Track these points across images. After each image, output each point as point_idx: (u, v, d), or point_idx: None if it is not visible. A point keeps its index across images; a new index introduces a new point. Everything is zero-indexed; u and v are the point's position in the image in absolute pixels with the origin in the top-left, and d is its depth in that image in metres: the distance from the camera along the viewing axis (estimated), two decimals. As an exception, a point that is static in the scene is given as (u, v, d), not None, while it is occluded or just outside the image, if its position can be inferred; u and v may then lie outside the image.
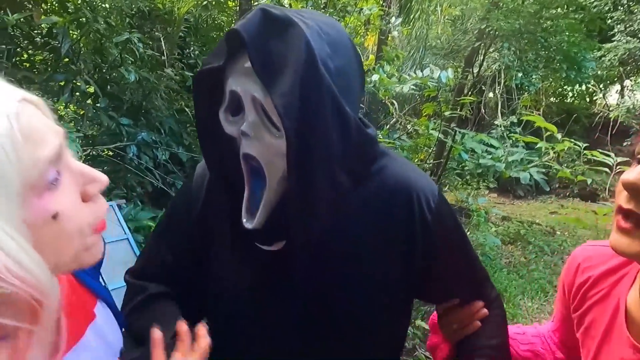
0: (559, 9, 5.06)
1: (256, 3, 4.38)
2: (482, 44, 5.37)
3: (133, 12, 3.74)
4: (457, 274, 0.85)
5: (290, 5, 4.54)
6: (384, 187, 0.79)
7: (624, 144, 8.35)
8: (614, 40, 9.64)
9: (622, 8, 9.95)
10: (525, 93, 8.95)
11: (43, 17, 2.74)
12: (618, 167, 2.14)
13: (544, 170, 2.76)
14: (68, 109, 3.11)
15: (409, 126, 4.46)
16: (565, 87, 7.48)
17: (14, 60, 2.74)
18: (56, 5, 3.09)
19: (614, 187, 0.66)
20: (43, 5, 3.03)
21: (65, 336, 0.55)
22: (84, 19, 2.72)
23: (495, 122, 7.28)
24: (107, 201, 0.75)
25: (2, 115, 0.42)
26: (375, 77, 3.07)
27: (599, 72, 8.97)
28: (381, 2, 4.97)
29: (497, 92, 9.02)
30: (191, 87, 4.21)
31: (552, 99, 10.29)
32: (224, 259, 0.84)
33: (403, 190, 0.78)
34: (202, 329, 0.72)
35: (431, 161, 5.62)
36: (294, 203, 0.70)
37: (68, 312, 0.59)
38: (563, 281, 0.85)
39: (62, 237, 0.47)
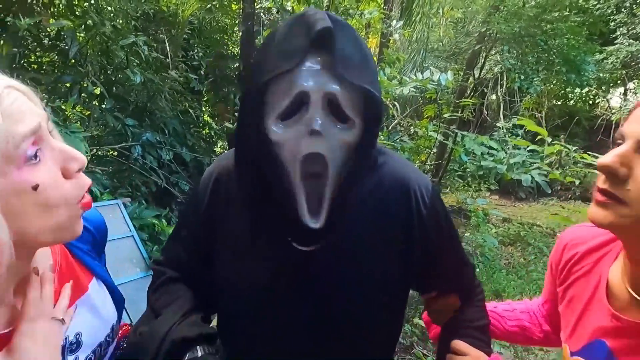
0: (559, 12, 5.10)
1: (259, 6, 4.43)
2: (483, 47, 5.41)
3: (138, 14, 3.81)
4: (449, 264, 0.91)
5: (293, 8, 4.60)
6: (382, 184, 0.83)
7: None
8: (617, 43, 9.66)
9: (625, 11, 9.96)
10: (528, 96, 8.99)
11: (51, 20, 2.80)
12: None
13: (545, 172, 2.80)
14: (75, 110, 3.18)
15: (411, 128, 4.50)
16: (567, 90, 7.51)
17: (22, 62, 2.81)
18: (63, 9, 3.16)
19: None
20: (52, 8, 3.10)
21: (54, 302, 0.65)
22: (91, 22, 2.79)
23: (497, 125, 7.32)
24: (114, 199, 0.82)
25: None
26: (376, 79, 3.11)
27: (601, 75, 8.97)
28: (382, 6, 5.03)
29: (499, 94, 9.06)
30: (194, 89, 4.30)
31: (554, 102, 10.30)
32: (237, 259, 0.85)
33: (400, 186, 0.82)
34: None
35: (432, 162, 5.66)
36: (347, 198, 0.74)
37: (59, 282, 0.67)
38: (551, 259, 0.92)
39: (46, 206, 0.55)
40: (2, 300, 0.61)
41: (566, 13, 5.98)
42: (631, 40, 9.58)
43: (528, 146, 2.53)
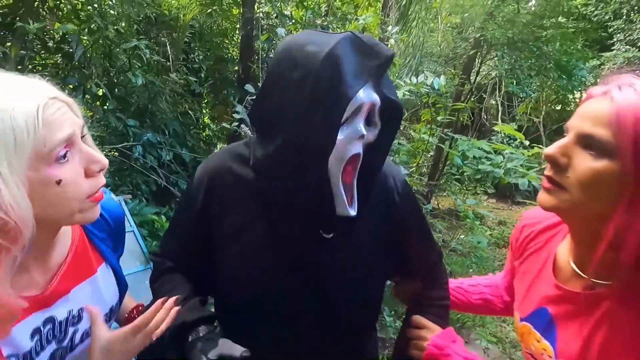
0: (553, 19, 5.19)
1: (259, 10, 4.53)
2: (479, 53, 5.51)
3: (140, 18, 3.91)
4: (419, 246, 1.02)
5: (291, 13, 4.70)
6: None
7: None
8: (614, 49, 9.77)
9: (622, 18, 10.08)
10: (526, 100, 9.08)
11: (57, 24, 2.91)
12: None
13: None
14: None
15: (411, 132, 4.58)
16: (561, 95, 7.61)
17: (28, 64, 2.91)
18: (68, 13, 3.26)
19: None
20: (57, 13, 3.20)
21: (67, 273, 0.76)
22: (95, 26, 2.89)
23: (495, 129, 7.41)
24: (115, 196, 0.93)
25: (34, 104, 0.61)
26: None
27: (598, 81, 9.05)
28: (379, 12, 5.13)
29: (497, 99, 9.16)
30: (194, 91, 4.39)
31: (552, 107, 10.39)
32: (243, 254, 0.91)
33: (382, 178, 0.96)
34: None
35: (428, 163, 5.74)
36: (370, 189, 0.89)
37: (74, 258, 0.78)
38: (512, 236, 1.03)
39: (63, 198, 0.66)
40: (26, 267, 0.70)
41: (563, 19, 6.08)
42: (628, 47, 9.70)
43: (505, 150, 2.63)
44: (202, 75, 4.74)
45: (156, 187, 3.51)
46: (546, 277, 0.85)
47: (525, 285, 0.90)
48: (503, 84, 7.72)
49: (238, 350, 0.78)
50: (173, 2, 4.60)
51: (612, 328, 0.68)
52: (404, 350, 0.99)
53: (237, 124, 2.72)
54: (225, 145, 5.18)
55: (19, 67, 2.61)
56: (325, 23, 4.29)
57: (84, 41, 3.05)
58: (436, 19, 6.71)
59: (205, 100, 5.22)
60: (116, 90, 3.52)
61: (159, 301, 0.82)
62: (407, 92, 3.40)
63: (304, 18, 4.32)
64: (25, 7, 2.80)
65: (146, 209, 2.85)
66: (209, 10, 4.56)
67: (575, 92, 5.83)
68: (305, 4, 4.66)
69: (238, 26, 4.83)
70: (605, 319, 0.71)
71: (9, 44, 2.69)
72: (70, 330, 0.78)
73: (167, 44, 3.98)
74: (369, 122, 0.84)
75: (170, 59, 3.94)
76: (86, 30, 3.05)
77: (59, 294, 0.76)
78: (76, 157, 0.67)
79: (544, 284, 0.85)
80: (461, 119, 6.58)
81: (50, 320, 0.74)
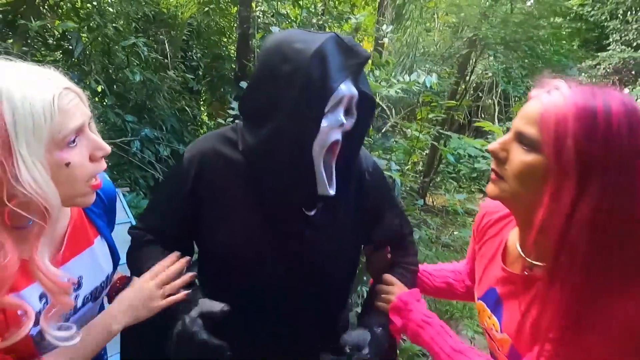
0: (545, 20, 5.27)
1: (258, 9, 4.60)
2: (474, 52, 5.58)
3: (139, 16, 3.98)
4: (389, 217, 1.14)
5: (287, 11, 4.77)
6: None
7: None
8: (610, 49, 9.83)
9: (619, 18, 10.13)
10: (523, 99, 9.15)
11: (57, 22, 2.99)
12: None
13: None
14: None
15: (403, 129, 4.66)
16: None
17: (29, 60, 2.98)
18: (68, 11, 3.34)
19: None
20: (57, 10, 3.28)
21: (68, 245, 0.86)
22: (94, 24, 2.97)
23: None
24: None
25: (50, 93, 0.70)
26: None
27: (594, 81, 9.14)
28: (374, 12, 5.20)
29: (494, 98, 9.24)
30: (192, 88, 4.47)
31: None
32: (233, 228, 0.99)
33: (357, 162, 1.09)
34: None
35: (423, 161, 5.82)
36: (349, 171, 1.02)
37: (73, 231, 0.87)
38: (474, 224, 1.11)
39: (72, 180, 0.75)
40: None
41: (559, 20, 6.15)
42: (624, 47, 9.75)
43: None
44: (200, 72, 4.82)
45: (154, 182, 3.59)
46: (497, 260, 0.94)
47: (482, 268, 1.00)
48: (499, 83, 7.81)
49: (217, 306, 0.87)
50: (171, 0, 4.67)
51: (542, 305, 0.75)
52: (371, 304, 1.09)
53: (232, 120, 2.79)
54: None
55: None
56: (321, 22, 4.37)
57: (83, 38, 3.13)
58: (433, 18, 6.80)
59: (203, 97, 5.30)
60: (115, 86, 3.60)
61: (174, 254, 0.96)
62: (399, 90, 3.48)
63: (300, 17, 4.40)
64: (27, 5, 2.89)
65: (143, 202, 2.94)
66: (207, 9, 4.63)
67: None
68: (301, 3, 4.73)
69: (235, 24, 4.91)
70: (537, 297, 0.79)
71: (11, 40, 2.78)
72: (72, 295, 0.87)
73: (165, 41, 4.04)
74: (347, 113, 0.94)
75: (168, 56, 4.01)
76: (86, 27, 3.14)
77: (62, 263, 0.84)
78: (84, 142, 0.76)
79: (495, 266, 0.94)
80: (457, 117, 6.66)
81: None
